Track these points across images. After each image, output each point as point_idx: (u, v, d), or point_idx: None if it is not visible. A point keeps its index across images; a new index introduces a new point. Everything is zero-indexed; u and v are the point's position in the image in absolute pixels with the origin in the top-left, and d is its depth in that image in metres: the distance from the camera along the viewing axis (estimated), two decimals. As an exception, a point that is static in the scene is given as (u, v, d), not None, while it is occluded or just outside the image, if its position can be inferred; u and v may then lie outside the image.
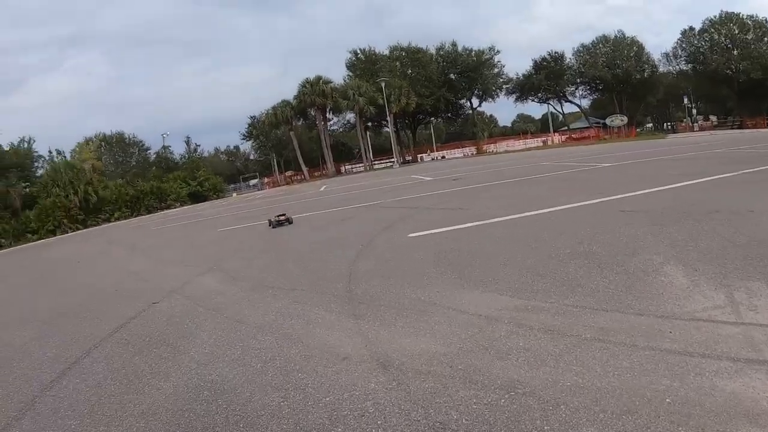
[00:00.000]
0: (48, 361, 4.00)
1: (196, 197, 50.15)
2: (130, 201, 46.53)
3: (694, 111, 65.16)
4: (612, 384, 2.27)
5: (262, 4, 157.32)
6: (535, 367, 2.53)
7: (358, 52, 56.41)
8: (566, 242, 5.08)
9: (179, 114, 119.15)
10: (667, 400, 2.09)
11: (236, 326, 4.01)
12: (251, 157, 75.56)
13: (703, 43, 60.12)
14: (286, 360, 3.15)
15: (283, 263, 6.60)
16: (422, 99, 52.64)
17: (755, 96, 57.90)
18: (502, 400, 2.27)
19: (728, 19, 57.71)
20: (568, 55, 65.89)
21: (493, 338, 2.95)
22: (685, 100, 65.88)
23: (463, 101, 62.26)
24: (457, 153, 61.32)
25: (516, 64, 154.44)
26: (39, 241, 31.38)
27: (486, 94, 61.47)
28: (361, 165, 53.51)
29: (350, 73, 54.37)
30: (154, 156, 60.75)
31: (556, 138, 61.54)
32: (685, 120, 68.05)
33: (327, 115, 51.79)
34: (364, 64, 55.18)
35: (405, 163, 57.05)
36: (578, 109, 76.03)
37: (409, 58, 56.34)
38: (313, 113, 50.33)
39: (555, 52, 66.77)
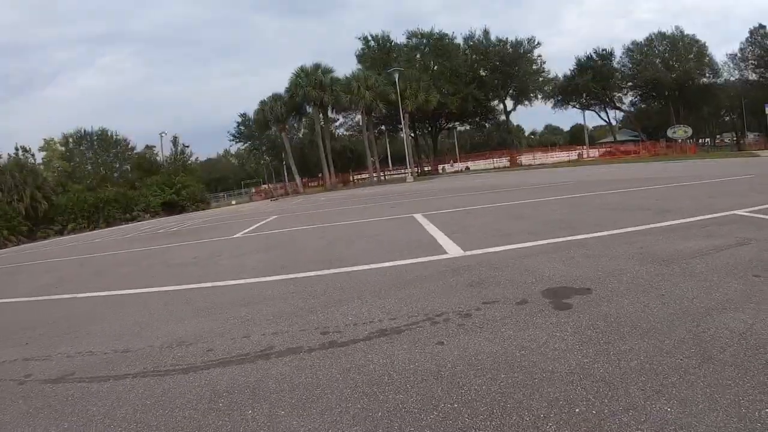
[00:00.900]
0: None
1: (171, 207, 41.85)
2: (88, 210, 38.42)
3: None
4: None
5: (292, 9, 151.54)
6: None
7: (370, 39, 47.32)
8: None
9: (207, 115, 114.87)
10: None
11: None
12: (262, 161, 67.24)
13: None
14: None
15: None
16: (446, 98, 43.14)
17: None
18: None
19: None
20: (617, 54, 55.81)
21: None
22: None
23: (494, 103, 52.34)
24: (483, 164, 52.30)
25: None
26: None
27: (522, 95, 51.39)
28: (365, 175, 44.46)
29: (360, 67, 45.14)
30: (136, 156, 52.82)
31: (591, 152, 52.12)
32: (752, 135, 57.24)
33: (328, 112, 42.73)
34: (376, 54, 46.02)
35: (423, 174, 47.70)
36: (606, 122, 65.29)
37: (432, 47, 46.84)
38: (310, 111, 41.18)
39: (603, 50, 56.65)
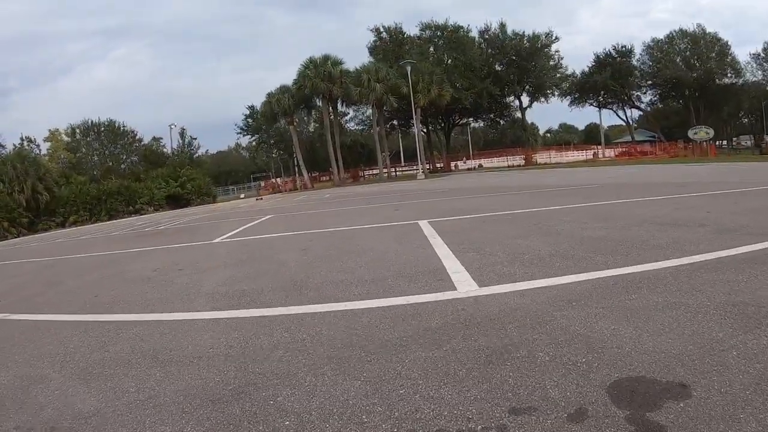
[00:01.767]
0: None
1: (176, 200, 41.00)
2: (90, 203, 37.63)
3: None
4: None
5: (305, 4, 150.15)
6: None
7: (382, 30, 45.59)
8: None
9: (219, 108, 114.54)
10: None
11: None
12: (274, 154, 66.15)
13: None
14: None
15: None
16: (460, 93, 41.44)
17: None
18: None
19: None
20: (637, 51, 53.76)
21: None
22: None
23: (510, 99, 50.49)
24: (497, 161, 51.08)
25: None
26: None
27: (539, 91, 49.50)
28: (376, 170, 42.98)
29: (372, 59, 43.55)
30: (143, 148, 51.98)
31: (607, 152, 50.53)
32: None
33: (337, 106, 41.29)
34: (388, 47, 44.39)
35: (435, 171, 46.19)
36: (624, 121, 63.08)
37: (446, 40, 45.08)
38: (319, 103, 39.75)
39: (623, 47, 54.56)
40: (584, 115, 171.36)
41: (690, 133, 47.31)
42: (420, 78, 37.32)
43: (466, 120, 55.07)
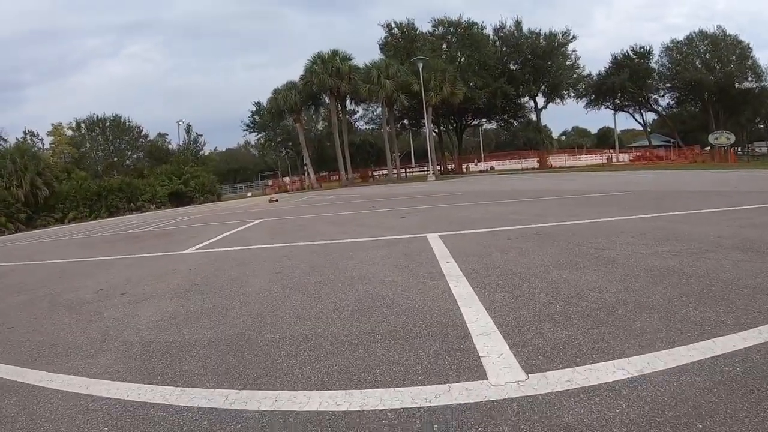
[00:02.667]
0: None
1: (180, 198, 39.88)
2: (90, 199, 36.64)
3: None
4: None
5: (320, 2, 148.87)
6: None
7: (393, 26, 43.85)
8: None
9: (232, 106, 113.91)
10: None
11: None
12: (282, 152, 64.96)
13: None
14: None
15: None
16: (473, 92, 39.77)
17: None
18: None
19: None
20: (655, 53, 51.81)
21: None
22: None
23: (524, 99, 48.72)
24: (509, 164, 49.59)
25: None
26: None
27: (555, 92, 47.64)
28: (385, 171, 41.47)
29: (383, 56, 42.01)
30: (149, 144, 50.94)
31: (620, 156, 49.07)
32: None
33: (346, 103, 39.81)
34: (400, 43, 42.74)
35: (445, 173, 44.63)
36: (641, 125, 61.01)
37: (459, 37, 43.44)
38: (327, 100, 38.24)
39: (641, 48, 52.46)
40: (596, 119, 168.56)
41: (710, 138, 45.50)
42: (432, 76, 35.68)
43: (479, 121, 53.34)
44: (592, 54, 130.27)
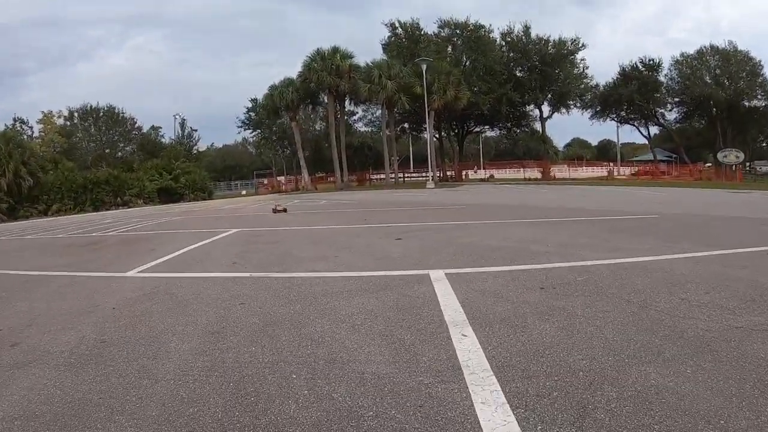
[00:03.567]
0: None
1: (169, 194, 38.39)
2: (76, 191, 35.18)
3: None
4: None
5: (323, 2, 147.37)
6: None
7: (397, 26, 42.47)
8: None
9: (234, 103, 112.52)
10: None
11: None
12: (279, 151, 63.49)
13: None
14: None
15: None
16: (478, 96, 38.43)
17: None
18: None
19: None
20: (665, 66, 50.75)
21: None
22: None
23: (529, 108, 47.49)
24: (509, 173, 48.91)
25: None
26: None
27: (561, 101, 46.41)
28: (383, 175, 40.08)
29: (385, 56, 40.64)
30: (140, 137, 49.43)
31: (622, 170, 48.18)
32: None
33: (345, 103, 38.42)
34: (404, 44, 41.35)
35: (445, 180, 43.29)
36: (646, 138, 59.94)
37: (465, 39, 42.07)
38: (325, 99, 36.79)
39: (650, 60, 51.32)
40: (597, 131, 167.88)
41: (719, 156, 44.61)
42: (436, 78, 34.32)
43: (481, 128, 52.03)
44: (593, 67, 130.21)
